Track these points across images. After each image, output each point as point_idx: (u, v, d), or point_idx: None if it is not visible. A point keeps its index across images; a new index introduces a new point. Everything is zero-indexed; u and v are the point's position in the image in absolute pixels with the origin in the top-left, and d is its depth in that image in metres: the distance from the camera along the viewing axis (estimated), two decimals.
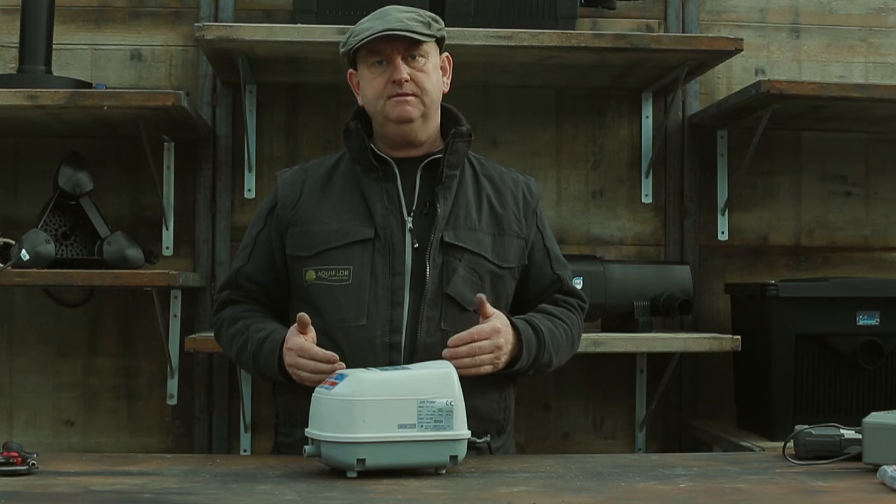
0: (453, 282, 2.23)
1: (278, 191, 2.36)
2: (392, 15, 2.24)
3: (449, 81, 2.36)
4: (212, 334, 2.87)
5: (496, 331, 2.13)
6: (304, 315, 2.13)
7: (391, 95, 2.24)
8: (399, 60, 2.23)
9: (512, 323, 2.19)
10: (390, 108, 2.25)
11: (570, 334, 2.34)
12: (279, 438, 2.37)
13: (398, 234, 2.25)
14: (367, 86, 2.28)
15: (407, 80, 2.23)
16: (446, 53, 2.37)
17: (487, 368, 2.13)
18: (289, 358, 2.15)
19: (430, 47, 2.28)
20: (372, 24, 2.24)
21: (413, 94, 2.24)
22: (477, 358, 2.10)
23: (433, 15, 2.30)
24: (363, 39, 2.22)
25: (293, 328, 2.17)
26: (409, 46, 2.24)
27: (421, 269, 2.22)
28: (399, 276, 2.23)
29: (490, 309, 2.15)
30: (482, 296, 2.15)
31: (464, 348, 2.10)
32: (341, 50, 2.32)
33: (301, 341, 2.13)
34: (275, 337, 2.22)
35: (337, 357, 2.09)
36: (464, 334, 2.11)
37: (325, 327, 2.23)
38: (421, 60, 2.25)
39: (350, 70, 2.35)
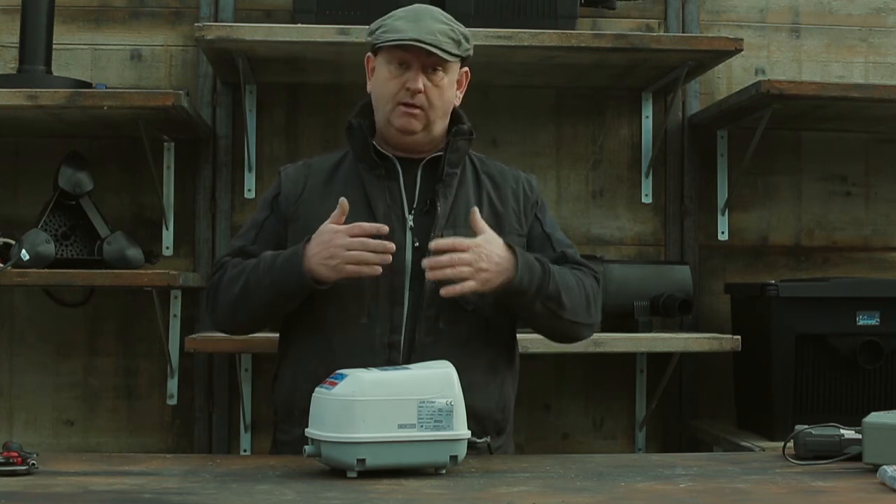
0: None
1: (281, 183, 2.36)
2: (427, 23, 2.23)
3: (462, 95, 2.36)
4: (212, 334, 2.89)
5: (477, 244, 2.13)
6: (344, 200, 2.14)
7: (401, 102, 2.24)
8: (419, 70, 2.23)
9: (510, 247, 2.18)
10: (396, 116, 2.26)
11: (581, 283, 2.30)
12: (277, 436, 2.37)
13: (399, 233, 2.25)
14: (381, 83, 2.28)
15: (420, 92, 2.23)
16: (466, 69, 2.36)
17: (471, 284, 2.12)
18: (340, 239, 2.12)
19: (453, 64, 2.28)
20: (405, 25, 2.23)
21: (421, 108, 2.24)
22: (457, 268, 2.10)
23: (466, 32, 2.29)
24: (391, 41, 2.22)
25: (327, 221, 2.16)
26: (431, 57, 2.23)
27: (421, 267, 2.21)
28: (399, 275, 2.23)
29: (482, 226, 2.15)
30: (476, 209, 2.16)
31: (444, 257, 2.10)
32: (367, 37, 2.30)
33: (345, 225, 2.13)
34: (290, 248, 2.21)
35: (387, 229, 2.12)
36: (444, 241, 2.12)
37: (323, 326, 2.23)
38: (440, 75, 2.25)
39: (369, 54, 2.34)
